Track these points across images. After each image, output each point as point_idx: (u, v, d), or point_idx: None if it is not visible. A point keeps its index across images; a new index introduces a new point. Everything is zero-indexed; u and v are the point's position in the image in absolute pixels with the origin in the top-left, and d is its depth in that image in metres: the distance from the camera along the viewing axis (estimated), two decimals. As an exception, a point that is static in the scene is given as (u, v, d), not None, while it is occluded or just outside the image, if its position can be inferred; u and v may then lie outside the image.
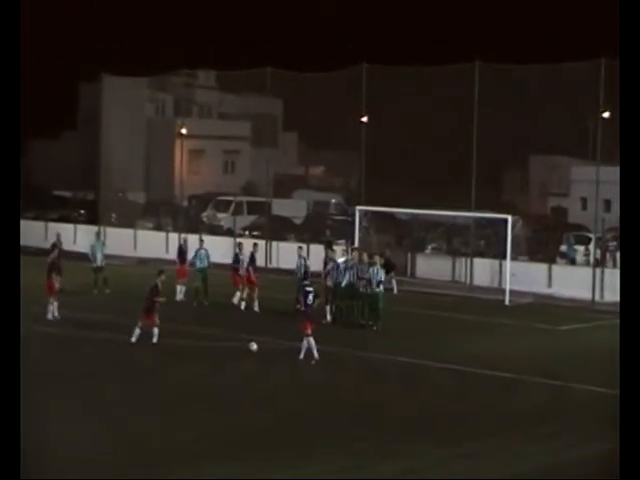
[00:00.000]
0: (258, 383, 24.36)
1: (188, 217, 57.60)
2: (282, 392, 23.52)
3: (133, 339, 27.76)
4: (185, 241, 41.60)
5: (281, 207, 55.23)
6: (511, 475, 17.80)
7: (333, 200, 61.52)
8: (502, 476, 17.68)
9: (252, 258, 36.71)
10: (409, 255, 46.62)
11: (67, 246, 42.85)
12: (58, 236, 40.90)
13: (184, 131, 63.46)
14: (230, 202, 58.64)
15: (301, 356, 26.34)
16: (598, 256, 43.44)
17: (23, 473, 12.88)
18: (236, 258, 37.12)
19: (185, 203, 61.15)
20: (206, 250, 38.26)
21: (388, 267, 37.09)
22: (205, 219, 57.46)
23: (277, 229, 51.66)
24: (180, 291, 37.15)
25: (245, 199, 59.25)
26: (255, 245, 38.35)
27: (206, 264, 37.52)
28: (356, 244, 43.75)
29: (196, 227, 54.65)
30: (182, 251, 39.25)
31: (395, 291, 39.88)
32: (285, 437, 19.59)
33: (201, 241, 39.67)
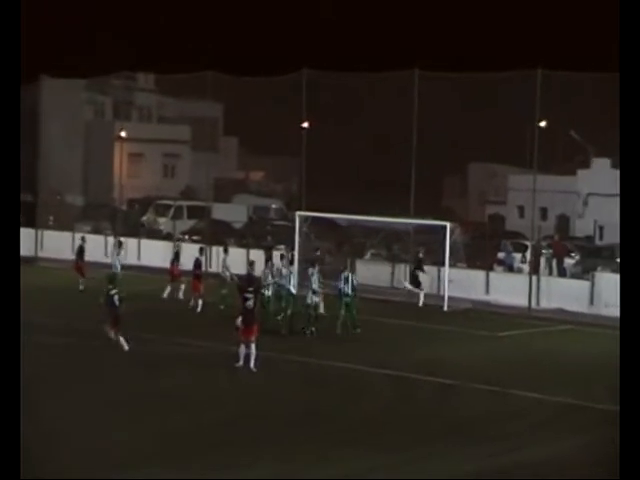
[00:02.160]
0: (198, 389, 24.37)
1: (127, 221, 57.31)
2: (222, 397, 23.56)
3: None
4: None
5: (221, 212, 55.18)
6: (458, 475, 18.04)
7: (273, 205, 61.62)
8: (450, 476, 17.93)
9: (197, 263, 37.32)
10: (349, 261, 46.81)
11: None
12: None
13: (123, 134, 63.12)
14: (170, 206, 58.47)
15: (240, 362, 26.25)
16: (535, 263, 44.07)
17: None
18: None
19: (124, 207, 60.85)
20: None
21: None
22: (145, 223, 57.25)
23: (217, 234, 51.58)
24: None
25: (185, 203, 59.12)
26: (201, 250, 39.05)
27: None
28: (296, 249, 43.90)
29: (135, 231, 54.41)
30: (81, 250, 41.40)
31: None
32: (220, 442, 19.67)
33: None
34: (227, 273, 37.53)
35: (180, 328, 32.39)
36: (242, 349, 26.21)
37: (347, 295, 32.94)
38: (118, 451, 18.80)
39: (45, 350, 27.17)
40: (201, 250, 39.45)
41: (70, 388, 23.67)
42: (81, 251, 41.72)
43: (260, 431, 20.66)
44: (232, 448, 19.36)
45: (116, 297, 27.67)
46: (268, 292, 32.94)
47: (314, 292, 33.03)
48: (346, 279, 33.31)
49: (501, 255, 47.27)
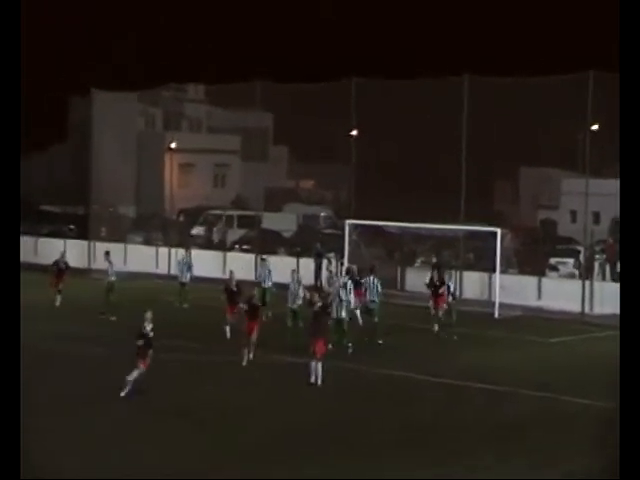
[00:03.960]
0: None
1: (178, 231, 57.62)
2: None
3: None
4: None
5: (271, 221, 55.26)
6: None
7: (323, 213, 61.56)
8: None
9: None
10: (399, 268, 46.63)
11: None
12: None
13: (174, 145, 63.47)
14: (220, 216, 58.67)
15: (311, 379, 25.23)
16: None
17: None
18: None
19: (174, 217, 61.20)
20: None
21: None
22: (215, 237, 57.34)
23: (267, 243, 51.65)
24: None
25: (235, 213, 59.29)
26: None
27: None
28: (346, 258, 43.82)
29: (186, 241, 54.68)
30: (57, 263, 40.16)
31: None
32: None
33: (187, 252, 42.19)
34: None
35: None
36: (313, 364, 25.09)
37: (373, 301, 32.60)
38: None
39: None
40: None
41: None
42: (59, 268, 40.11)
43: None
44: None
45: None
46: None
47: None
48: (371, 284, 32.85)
49: (553, 261, 46.74)
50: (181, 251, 48.93)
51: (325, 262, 44.71)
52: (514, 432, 21.76)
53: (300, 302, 31.50)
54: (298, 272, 35.21)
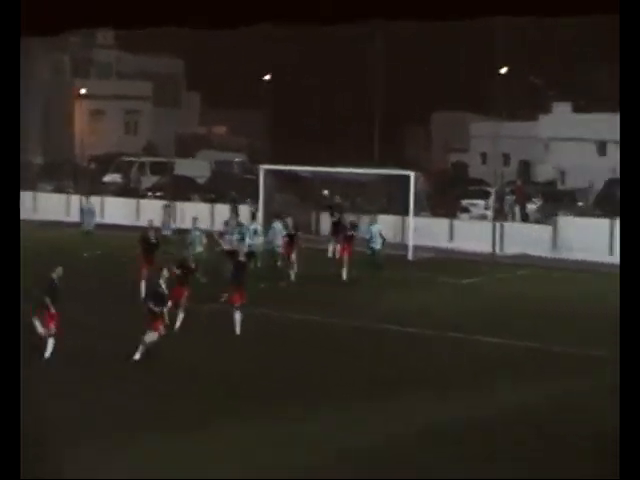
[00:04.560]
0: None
1: (90, 178, 57.12)
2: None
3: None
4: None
5: (184, 167, 55.08)
6: (423, 427, 18.09)
7: (236, 159, 61.45)
8: (415, 429, 18.03)
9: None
10: (314, 213, 46.88)
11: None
12: None
13: (83, 91, 62.59)
14: (133, 162, 58.23)
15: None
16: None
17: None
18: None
19: (85, 164, 60.62)
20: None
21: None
22: (109, 180, 56.90)
23: (180, 189, 51.49)
24: None
25: (148, 159, 58.88)
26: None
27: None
28: (261, 203, 43.94)
29: (97, 188, 54.26)
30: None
31: None
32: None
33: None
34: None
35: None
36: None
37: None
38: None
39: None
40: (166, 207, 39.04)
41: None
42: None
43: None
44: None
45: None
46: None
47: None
48: None
49: (466, 202, 47.51)
50: (93, 198, 48.65)
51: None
52: (429, 373, 22.22)
53: (200, 249, 31.39)
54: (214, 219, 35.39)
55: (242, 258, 25.64)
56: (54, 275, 22.11)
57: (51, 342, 21.67)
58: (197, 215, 36.23)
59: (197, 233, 32.32)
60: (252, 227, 35.64)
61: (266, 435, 17.36)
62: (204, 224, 36.56)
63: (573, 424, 18.59)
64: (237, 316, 24.62)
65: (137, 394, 19.66)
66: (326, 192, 45.91)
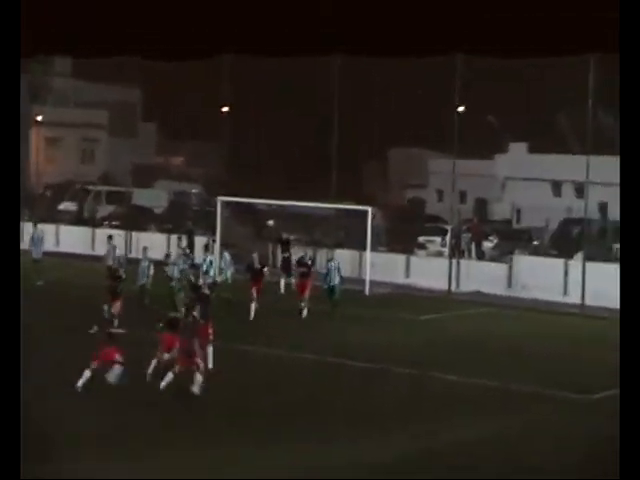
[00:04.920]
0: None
1: (45, 206, 56.72)
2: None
3: None
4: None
5: (142, 197, 54.88)
6: (372, 463, 18.07)
7: (194, 190, 61.38)
8: (362, 464, 18.01)
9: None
10: (270, 246, 46.88)
11: None
12: None
13: (39, 118, 62.21)
14: (89, 191, 57.91)
15: None
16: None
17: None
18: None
19: (41, 191, 60.16)
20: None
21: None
22: (85, 212, 56.30)
23: (138, 219, 51.28)
24: None
25: (104, 188, 58.60)
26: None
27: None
28: (218, 235, 43.86)
29: (52, 216, 53.88)
30: None
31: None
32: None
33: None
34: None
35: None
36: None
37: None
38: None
39: None
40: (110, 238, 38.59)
41: None
42: None
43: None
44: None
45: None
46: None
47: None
48: None
49: (421, 239, 47.71)
50: (49, 227, 48.30)
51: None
52: (386, 408, 22.21)
53: (148, 280, 32.57)
54: (172, 249, 35.38)
55: (206, 290, 25.35)
56: None
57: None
58: (151, 245, 36.29)
59: (145, 263, 32.66)
60: (208, 259, 35.71)
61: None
62: (160, 254, 36.39)
63: (528, 457, 18.68)
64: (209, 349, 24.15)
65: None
66: (271, 222, 46.02)
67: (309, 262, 35.60)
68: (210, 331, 24.25)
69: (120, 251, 40.88)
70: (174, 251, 36.58)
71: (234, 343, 27.73)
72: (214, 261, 36.22)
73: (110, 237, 38.60)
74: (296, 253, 43.11)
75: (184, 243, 39.83)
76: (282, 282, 38.87)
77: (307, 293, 34.17)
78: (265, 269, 34.49)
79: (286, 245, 41.46)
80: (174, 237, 45.07)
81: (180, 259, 34.10)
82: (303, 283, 34.58)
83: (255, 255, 34.88)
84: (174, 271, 32.99)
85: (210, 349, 24.21)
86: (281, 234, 42.93)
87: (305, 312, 33.77)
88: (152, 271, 32.79)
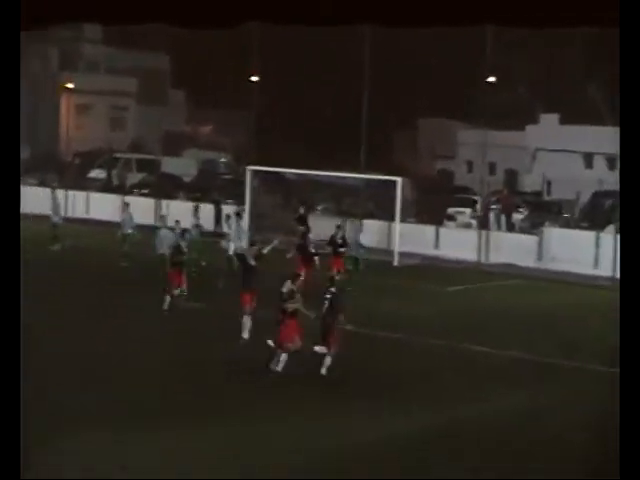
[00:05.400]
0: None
1: (74, 173, 56.93)
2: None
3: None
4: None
5: (171, 165, 54.96)
6: (403, 432, 18.14)
7: (222, 159, 61.42)
8: (395, 433, 18.07)
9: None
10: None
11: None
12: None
13: (70, 85, 62.33)
14: (119, 159, 58.06)
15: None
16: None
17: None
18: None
19: (70, 159, 60.39)
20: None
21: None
22: (115, 180, 56.38)
23: (166, 187, 51.39)
24: None
25: (134, 156, 58.73)
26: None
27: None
28: (247, 204, 43.92)
29: (81, 184, 54.10)
30: None
31: None
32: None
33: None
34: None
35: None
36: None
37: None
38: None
39: None
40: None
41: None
42: None
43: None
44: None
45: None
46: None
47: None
48: None
49: (452, 210, 47.53)
50: (79, 194, 48.53)
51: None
52: (416, 378, 22.26)
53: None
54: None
55: (252, 262, 24.99)
56: None
57: None
58: (178, 214, 36.39)
59: (165, 231, 32.00)
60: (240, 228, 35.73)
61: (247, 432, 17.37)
62: (188, 222, 36.38)
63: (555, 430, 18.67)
64: (246, 320, 24.22)
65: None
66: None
67: (340, 241, 34.43)
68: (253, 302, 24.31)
69: (146, 219, 40.96)
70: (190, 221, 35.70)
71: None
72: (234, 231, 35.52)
73: (127, 204, 38.67)
74: (327, 222, 43.22)
75: (199, 213, 39.44)
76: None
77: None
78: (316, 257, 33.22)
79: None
80: (204, 206, 45.19)
81: (193, 229, 33.84)
82: (334, 261, 33.44)
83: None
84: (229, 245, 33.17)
85: (249, 320, 24.23)
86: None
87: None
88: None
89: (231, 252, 33.57)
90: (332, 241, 34.44)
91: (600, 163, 53.32)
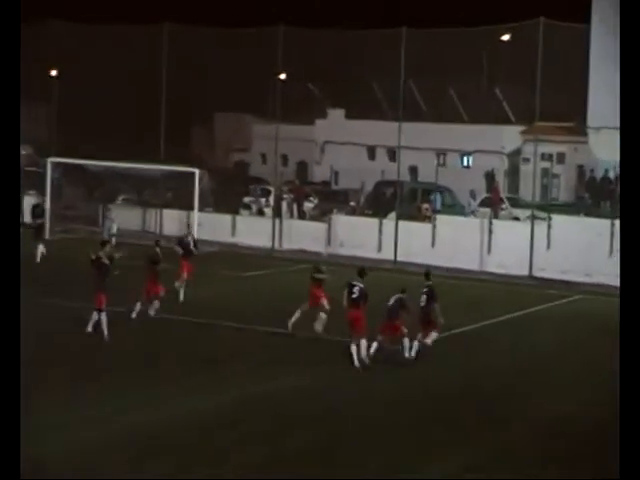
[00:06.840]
0: None
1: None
2: None
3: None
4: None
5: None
6: (204, 409, 19.74)
7: (23, 151, 61.62)
8: (196, 410, 19.74)
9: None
10: (101, 206, 48.42)
11: None
12: None
13: None
14: None
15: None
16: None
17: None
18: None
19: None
20: None
21: None
22: None
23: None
24: None
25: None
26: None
27: None
28: (48, 196, 45.26)
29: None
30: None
31: None
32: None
33: None
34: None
35: None
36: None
37: None
38: None
39: None
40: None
41: None
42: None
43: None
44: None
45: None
46: None
47: None
48: None
49: (247, 199, 50.29)
50: None
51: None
52: (212, 360, 23.95)
53: None
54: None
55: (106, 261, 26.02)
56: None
57: None
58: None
59: None
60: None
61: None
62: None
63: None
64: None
65: None
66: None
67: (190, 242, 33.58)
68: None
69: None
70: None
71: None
72: None
73: None
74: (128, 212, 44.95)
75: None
76: None
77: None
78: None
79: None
80: None
81: None
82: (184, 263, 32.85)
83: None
84: None
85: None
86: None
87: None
88: None
89: None
90: (182, 242, 33.53)
91: (382, 155, 56.58)
